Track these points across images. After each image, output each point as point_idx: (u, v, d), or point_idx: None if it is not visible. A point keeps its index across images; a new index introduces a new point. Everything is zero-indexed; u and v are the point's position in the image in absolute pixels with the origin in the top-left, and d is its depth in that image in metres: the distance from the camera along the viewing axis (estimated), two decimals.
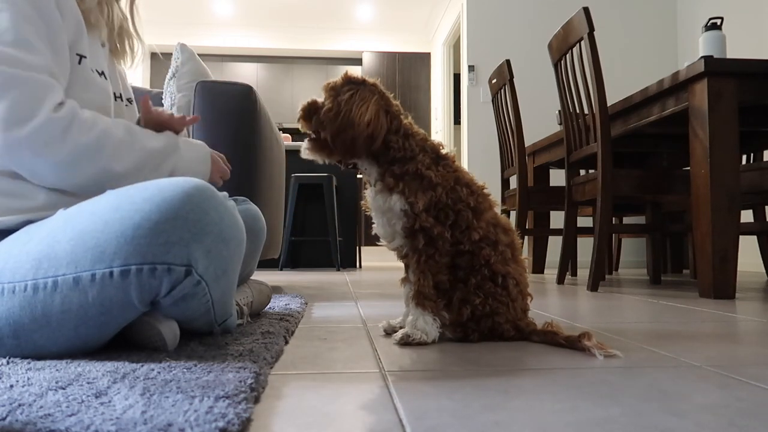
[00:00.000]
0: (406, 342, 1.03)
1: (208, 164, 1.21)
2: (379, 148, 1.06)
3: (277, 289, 2.22)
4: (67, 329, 0.85)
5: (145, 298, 0.86)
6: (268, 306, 1.51)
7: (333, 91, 1.08)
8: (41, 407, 0.58)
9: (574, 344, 0.97)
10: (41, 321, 0.84)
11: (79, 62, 1.03)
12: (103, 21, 1.12)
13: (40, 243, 0.86)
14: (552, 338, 1.02)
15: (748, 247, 3.63)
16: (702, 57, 1.90)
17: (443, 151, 1.11)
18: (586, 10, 2.27)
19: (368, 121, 1.03)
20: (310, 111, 1.08)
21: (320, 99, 1.10)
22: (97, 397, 0.62)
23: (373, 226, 1.12)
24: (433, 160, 1.07)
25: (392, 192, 1.05)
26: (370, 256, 6.09)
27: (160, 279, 0.85)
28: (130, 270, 0.83)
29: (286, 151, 3.94)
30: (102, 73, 1.10)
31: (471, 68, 4.72)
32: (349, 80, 1.07)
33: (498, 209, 1.14)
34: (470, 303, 1.05)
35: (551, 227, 3.54)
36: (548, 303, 1.80)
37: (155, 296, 0.86)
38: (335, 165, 1.15)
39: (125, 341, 0.93)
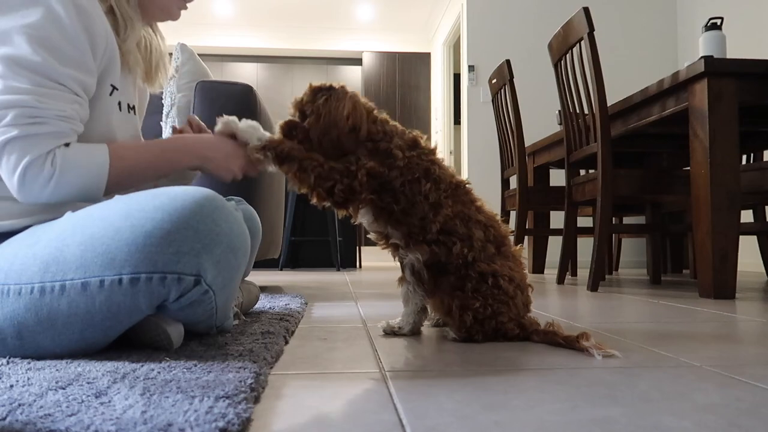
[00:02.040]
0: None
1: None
2: (365, 140, 1.08)
3: (277, 289, 2.22)
4: (72, 332, 0.85)
5: (153, 304, 0.86)
6: (257, 305, 1.52)
7: (303, 105, 1.11)
8: (41, 407, 0.58)
9: (572, 344, 0.97)
10: (46, 324, 0.84)
11: (111, 93, 1.03)
12: (142, 62, 1.12)
13: (48, 246, 0.86)
14: (551, 338, 1.02)
15: (748, 247, 3.63)
16: (702, 57, 1.90)
17: (422, 142, 1.13)
18: (586, 10, 2.27)
19: (347, 115, 1.06)
20: (290, 128, 1.11)
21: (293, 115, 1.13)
22: (97, 397, 0.62)
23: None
24: (408, 146, 1.10)
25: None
26: (370, 256, 6.09)
27: (169, 287, 0.85)
28: (140, 278, 0.83)
29: None
30: (132, 108, 1.11)
31: (471, 68, 4.72)
32: (317, 89, 1.11)
33: (484, 204, 1.14)
34: (471, 309, 1.04)
35: (551, 227, 3.54)
36: (548, 303, 1.80)
37: (163, 301, 0.87)
38: None
39: (126, 341, 0.93)
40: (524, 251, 1.18)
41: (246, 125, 1.11)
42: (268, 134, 1.10)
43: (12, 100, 0.87)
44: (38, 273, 0.84)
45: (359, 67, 7.32)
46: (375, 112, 1.13)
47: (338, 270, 3.88)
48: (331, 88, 1.10)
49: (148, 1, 1.09)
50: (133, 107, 1.12)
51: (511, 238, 1.16)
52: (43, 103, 0.89)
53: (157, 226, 0.84)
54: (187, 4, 1.16)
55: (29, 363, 0.81)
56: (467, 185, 1.14)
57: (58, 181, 0.91)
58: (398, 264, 1.15)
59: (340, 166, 1.05)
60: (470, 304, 1.04)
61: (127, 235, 0.84)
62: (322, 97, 1.09)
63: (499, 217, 1.16)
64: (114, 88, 1.03)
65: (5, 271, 0.86)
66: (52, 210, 0.96)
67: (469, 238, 1.08)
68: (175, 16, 1.16)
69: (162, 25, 1.23)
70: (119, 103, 1.06)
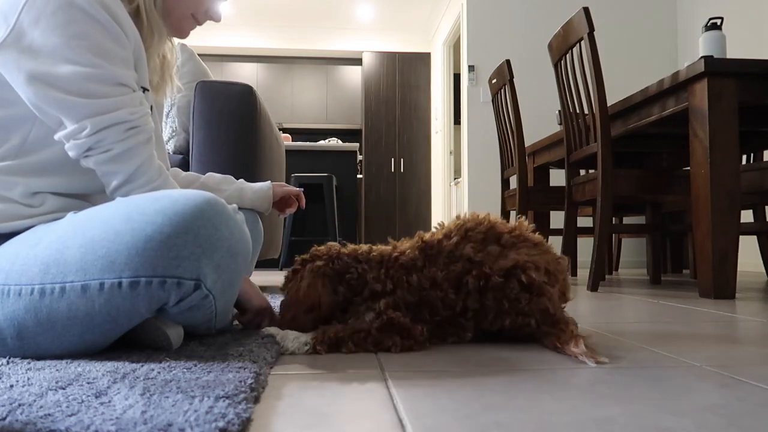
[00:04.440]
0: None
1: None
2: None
3: (277, 289, 2.21)
4: (72, 334, 0.85)
5: (152, 308, 0.86)
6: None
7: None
8: (41, 407, 0.58)
9: (563, 349, 0.95)
10: (46, 325, 0.84)
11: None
12: (159, 72, 1.14)
13: (48, 247, 0.86)
14: (550, 342, 1.00)
15: (748, 247, 3.63)
16: (702, 57, 1.90)
17: (388, 248, 1.07)
18: (586, 10, 2.27)
19: (304, 295, 1.03)
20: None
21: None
22: (97, 397, 0.62)
23: None
24: (376, 268, 1.05)
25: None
26: None
27: (169, 291, 0.85)
28: (140, 282, 0.83)
29: (286, 151, 3.94)
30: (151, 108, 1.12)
31: (471, 68, 4.72)
32: (291, 270, 1.09)
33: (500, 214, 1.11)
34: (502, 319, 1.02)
35: (551, 227, 3.54)
36: None
37: (163, 305, 0.87)
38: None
39: (126, 341, 0.93)
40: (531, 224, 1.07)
41: (282, 337, 1.01)
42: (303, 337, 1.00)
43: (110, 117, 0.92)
44: (38, 274, 0.84)
45: (359, 67, 7.31)
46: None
47: None
48: (301, 264, 1.07)
49: (168, 12, 1.08)
50: (152, 107, 1.12)
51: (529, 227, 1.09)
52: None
53: (157, 230, 0.83)
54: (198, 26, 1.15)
55: (29, 363, 0.81)
56: (480, 217, 1.06)
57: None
58: None
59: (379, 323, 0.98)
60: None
61: (127, 239, 0.83)
62: (289, 282, 1.07)
63: (494, 216, 1.09)
64: (145, 89, 1.03)
65: (6, 272, 0.86)
66: (55, 210, 0.96)
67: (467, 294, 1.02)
68: (184, 35, 1.14)
69: None
70: (151, 107, 1.06)
